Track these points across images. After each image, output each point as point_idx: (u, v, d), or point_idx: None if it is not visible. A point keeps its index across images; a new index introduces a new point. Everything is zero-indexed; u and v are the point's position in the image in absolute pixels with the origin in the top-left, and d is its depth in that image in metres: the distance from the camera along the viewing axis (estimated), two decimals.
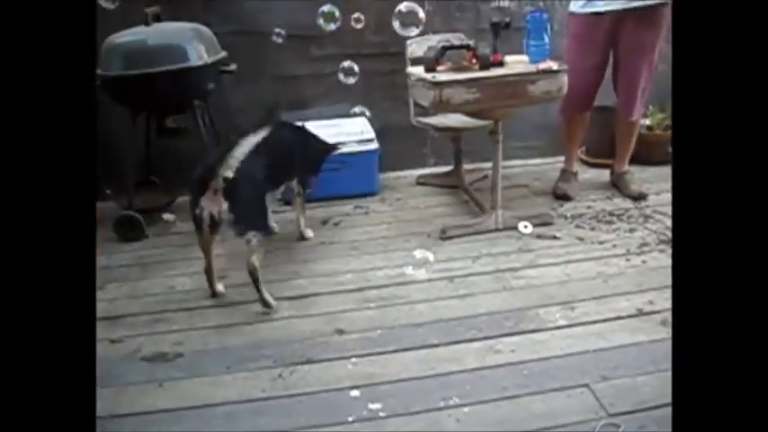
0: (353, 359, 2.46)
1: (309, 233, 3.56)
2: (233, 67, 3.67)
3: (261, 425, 2.14)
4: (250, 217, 2.80)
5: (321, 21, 3.51)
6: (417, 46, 3.91)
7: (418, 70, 3.36)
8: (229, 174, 2.70)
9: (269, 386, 2.34)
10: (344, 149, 3.97)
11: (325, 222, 3.77)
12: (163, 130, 3.71)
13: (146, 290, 3.07)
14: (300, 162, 3.39)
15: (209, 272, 2.96)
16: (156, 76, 3.36)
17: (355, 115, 4.23)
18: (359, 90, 4.29)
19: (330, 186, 4.00)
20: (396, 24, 3.40)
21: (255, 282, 2.79)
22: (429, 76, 3.17)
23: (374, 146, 4.04)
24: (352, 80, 3.66)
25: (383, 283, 3.02)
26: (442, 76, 3.16)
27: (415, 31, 3.45)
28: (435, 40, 3.63)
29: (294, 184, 3.42)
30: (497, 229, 3.49)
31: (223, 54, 3.66)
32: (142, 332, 2.72)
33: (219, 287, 2.99)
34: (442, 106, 3.21)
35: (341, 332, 2.64)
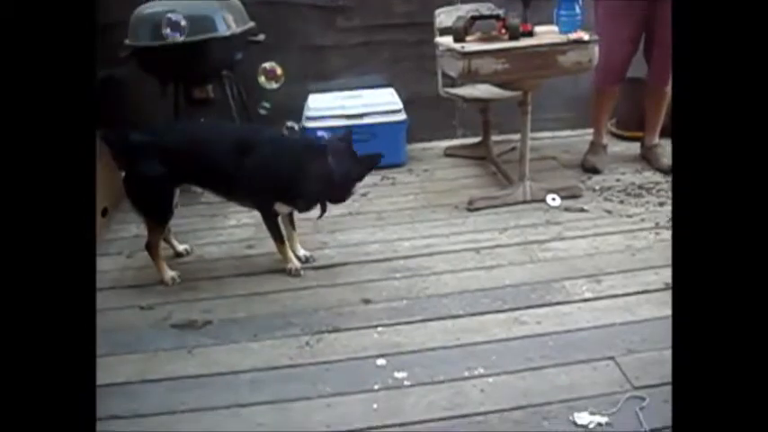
0: (379, 328, 2.47)
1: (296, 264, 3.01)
2: (261, 37, 3.67)
3: (287, 391, 2.17)
4: (139, 196, 2.86)
5: (262, 79, 3.44)
6: (446, 16, 3.88)
7: (447, 40, 3.33)
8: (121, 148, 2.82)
9: (296, 354, 2.36)
10: (371, 120, 3.98)
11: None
12: (191, 100, 3.72)
13: (174, 259, 3.10)
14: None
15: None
16: (185, 47, 3.37)
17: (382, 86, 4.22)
18: (386, 61, 4.29)
19: None
20: None
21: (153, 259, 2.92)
22: (458, 46, 3.15)
23: (402, 116, 4.03)
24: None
25: (410, 253, 3.03)
26: (472, 46, 3.14)
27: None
28: (464, 10, 3.59)
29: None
30: (525, 201, 3.48)
31: (251, 24, 3.66)
32: (171, 300, 2.77)
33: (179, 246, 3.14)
34: (470, 77, 3.18)
35: (367, 301, 2.66)
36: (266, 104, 3.59)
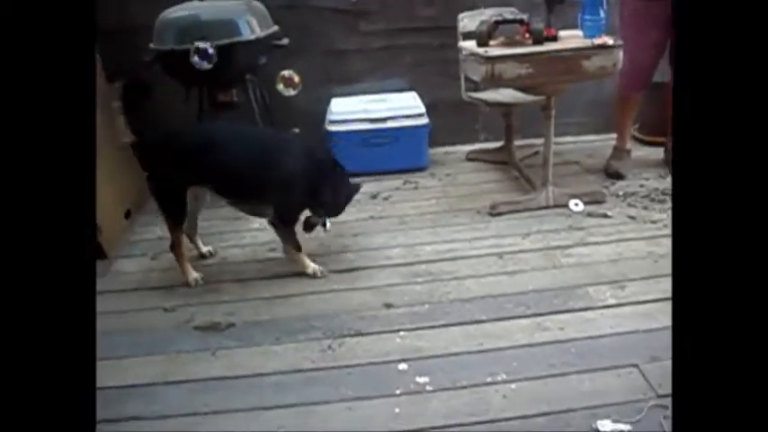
0: (401, 333, 2.48)
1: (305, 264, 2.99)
2: (285, 41, 3.68)
3: (309, 395, 2.18)
4: (158, 196, 2.89)
5: (281, 86, 3.52)
6: (469, 20, 3.88)
7: (470, 44, 3.33)
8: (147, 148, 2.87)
9: (318, 357, 2.37)
10: (394, 124, 3.99)
11: (374, 197, 3.79)
12: (215, 103, 3.75)
13: (199, 260, 3.12)
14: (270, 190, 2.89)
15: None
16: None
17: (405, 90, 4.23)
18: (409, 65, 4.29)
19: (380, 161, 4.03)
20: None
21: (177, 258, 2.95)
22: (481, 50, 3.14)
23: (424, 121, 4.04)
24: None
25: (432, 258, 3.03)
26: (495, 50, 3.13)
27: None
28: (488, 15, 3.60)
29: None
30: (548, 207, 3.47)
31: (275, 28, 3.67)
32: (195, 302, 2.79)
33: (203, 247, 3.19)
34: (494, 81, 3.18)
35: (389, 306, 2.66)
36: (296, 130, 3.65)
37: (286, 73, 3.49)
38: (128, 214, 3.52)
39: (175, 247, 2.92)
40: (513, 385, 2.15)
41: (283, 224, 2.90)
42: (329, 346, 2.43)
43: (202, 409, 2.15)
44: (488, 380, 2.18)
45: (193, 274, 2.93)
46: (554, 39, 3.24)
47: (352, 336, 2.48)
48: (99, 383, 2.26)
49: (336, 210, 3.02)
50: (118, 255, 3.29)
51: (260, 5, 3.63)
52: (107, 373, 2.37)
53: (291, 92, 3.50)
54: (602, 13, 3.24)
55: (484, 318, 2.54)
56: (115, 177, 2.79)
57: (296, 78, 3.47)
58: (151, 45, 3.48)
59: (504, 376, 2.19)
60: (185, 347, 2.49)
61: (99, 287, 2.98)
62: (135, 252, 3.30)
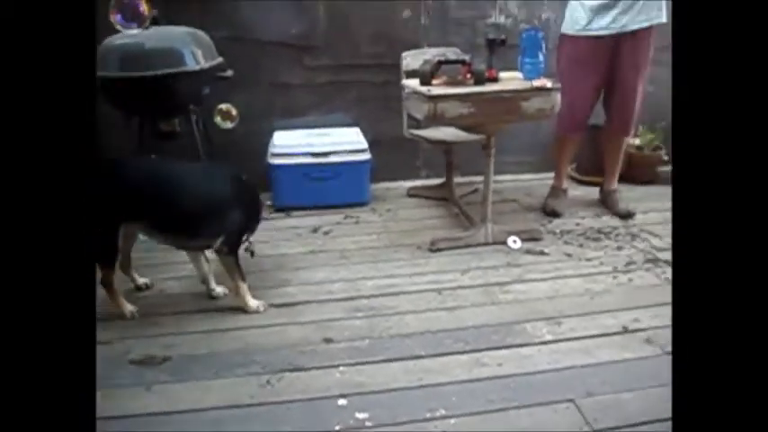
0: (341, 368, 2.47)
1: (220, 290, 3.07)
2: (229, 72, 3.68)
3: (248, 430, 2.15)
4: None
5: (218, 119, 3.56)
6: (412, 59, 3.96)
7: (413, 83, 3.39)
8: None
9: (257, 392, 2.34)
10: (336, 159, 4.01)
11: (315, 230, 3.79)
12: (157, 133, 3.71)
13: (135, 292, 3.06)
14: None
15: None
16: (152, 80, 3.36)
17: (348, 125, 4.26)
18: (353, 100, 4.34)
19: (321, 195, 4.04)
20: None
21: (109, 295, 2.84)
22: (424, 89, 3.20)
23: (366, 156, 4.07)
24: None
25: (372, 292, 3.04)
26: (438, 89, 3.19)
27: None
28: (431, 54, 3.68)
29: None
30: (487, 243, 3.52)
31: (219, 59, 3.67)
32: (131, 335, 2.72)
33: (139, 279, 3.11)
34: (436, 119, 3.24)
35: (329, 341, 2.65)
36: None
37: (224, 106, 3.50)
38: None
39: (106, 284, 2.81)
40: (452, 420, 2.16)
41: (231, 251, 2.87)
42: (268, 381, 2.40)
43: None
44: (428, 415, 2.19)
45: (129, 307, 2.86)
46: (495, 80, 3.32)
47: (291, 371, 2.46)
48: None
49: (255, 229, 3.04)
50: None
51: (205, 36, 3.63)
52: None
53: (228, 124, 3.50)
54: (540, 57, 3.34)
55: (423, 353, 2.55)
56: None
57: (233, 111, 3.48)
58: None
59: (444, 412, 2.20)
60: (121, 382, 2.42)
61: None
62: None
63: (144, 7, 2.75)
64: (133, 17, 2.76)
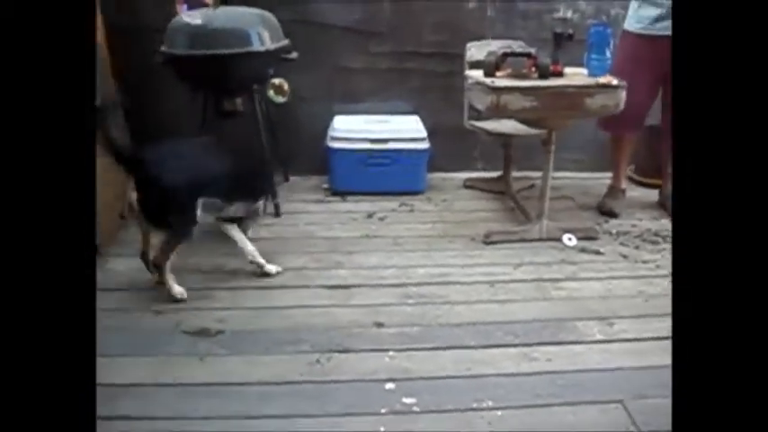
0: (390, 352, 2.49)
1: (272, 268, 3.14)
2: (294, 55, 3.71)
3: (295, 407, 2.19)
4: (162, 214, 2.78)
5: (271, 92, 3.57)
6: (477, 50, 3.94)
7: (477, 74, 3.37)
8: (141, 167, 2.73)
9: (305, 370, 2.38)
10: (395, 146, 4.02)
11: (370, 216, 3.81)
12: (220, 111, 3.77)
13: (194, 266, 3.12)
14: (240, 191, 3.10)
15: (143, 257, 2.99)
16: (217, 59, 3.42)
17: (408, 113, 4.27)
18: (414, 88, 4.34)
19: (377, 181, 4.05)
20: None
21: (161, 276, 2.85)
22: (488, 80, 3.19)
23: (425, 145, 4.07)
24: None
25: (424, 280, 3.05)
26: (502, 81, 3.18)
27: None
28: (495, 46, 3.65)
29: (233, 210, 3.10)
30: (541, 239, 3.49)
31: (285, 42, 3.70)
32: (185, 306, 2.80)
33: (155, 276, 2.95)
34: (498, 111, 3.22)
35: (379, 325, 2.68)
36: None
37: (277, 81, 3.56)
38: (122, 214, 3.52)
39: (160, 263, 2.83)
40: (498, 412, 2.16)
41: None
42: (317, 360, 2.43)
43: (190, 414, 2.15)
44: (474, 405, 2.19)
45: (178, 288, 2.85)
46: (560, 74, 3.28)
47: (340, 352, 2.49)
48: None
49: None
50: (111, 253, 3.29)
51: (273, 18, 3.66)
52: (99, 372, 2.35)
53: (280, 99, 3.57)
54: (608, 53, 3.29)
55: (473, 344, 2.55)
56: (112, 177, 2.79)
57: (285, 86, 3.54)
58: (162, 48, 3.51)
59: (490, 403, 2.20)
60: (175, 351, 2.49)
61: None
62: (127, 252, 3.29)
63: None
64: (198, 7, 2.86)
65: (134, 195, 2.74)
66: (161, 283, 2.86)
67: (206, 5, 3.00)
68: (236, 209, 3.04)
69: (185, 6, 3.06)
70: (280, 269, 3.10)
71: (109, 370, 2.37)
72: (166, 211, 2.78)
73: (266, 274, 3.07)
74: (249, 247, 3.08)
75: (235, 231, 3.08)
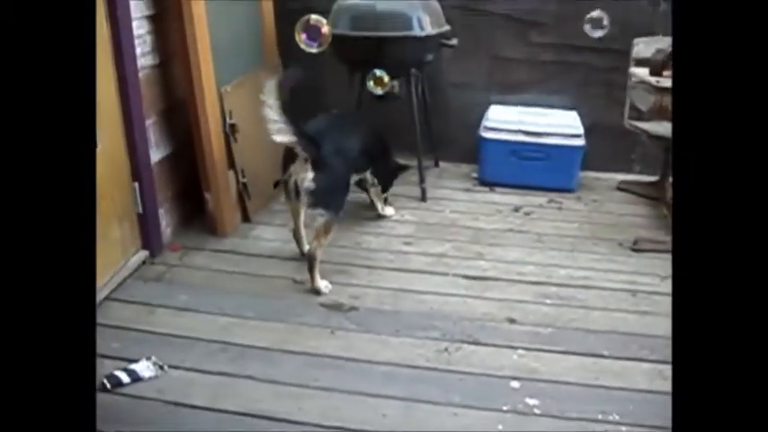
0: (520, 350, 2.45)
1: (390, 211, 3.60)
2: (454, 41, 3.70)
3: (417, 392, 2.21)
4: (329, 194, 2.79)
5: (371, 83, 3.47)
6: (645, 46, 3.74)
7: (642, 72, 3.23)
8: (321, 147, 2.75)
9: (433, 357, 2.39)
10: (549, 141, 3.93)
11: (516, 210, 3.74)
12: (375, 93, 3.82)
13: (334, 242, 3.19)
14: (381, 162, 3.42)
15: (296, 235, 3.07)
16: (377, 41, 3.48)
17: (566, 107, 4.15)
18: (575, 83, 4.21)
19: (527, 175, 3.97)
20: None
21: (311, 269, 2.80)
22: (653, 79, 3.05)
23: (581, 142, 3.94)
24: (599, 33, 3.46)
25: (564, 282, 2.97)
26: (668, 81, 3.02)
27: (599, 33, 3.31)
28: (665, 43, 3.46)
29: (368, 174, 3.36)
30: None
31: (446, 28, 3.70)
32: (325, 280, 2.86)
33: (307, 248, 2.95)
34: (661, 113, 3.08)
35: (512, 321, 2.64)
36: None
37: (377, 72, 3.51)
38: (276, 184, 3.67)
39: (313, 255, 2.82)
40: (623, 428, 2.08)
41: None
42: (446, 349, 2.44)
43: (311, 383, 2.23)
44: (599, 417, 2.12)
45: (323, 282, 2.83)
46: None
47: (470, 343, 2.48)
48: (223, 339, 2.41)
49: None
50: (260, 221, 3.45)
51: (435, 4, 3.67)
52: (233, 331, 2.52)
53: (379, 91, 3.52)
54: None
55: (605, 353, 2.46)
56: (269, 149, 2.91)
57: (385, 79, 3.48)
58: None
59: (617, 417, 2.12)
60: (307, 321, 2.59)
61: (239, 249, 3.16)
62: (276, 221, 3.43)
63: (325, 29, 2.99)
64: (315, 37, 3.05)
65: (304, 175, 2.74)
66: (306, 256, 2.90)
67: (322, 35, 3.14)
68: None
69: (305, 35, 3.21)
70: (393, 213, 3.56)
71: (243, 330, 2.52)
72: (334, 192, 2.86)
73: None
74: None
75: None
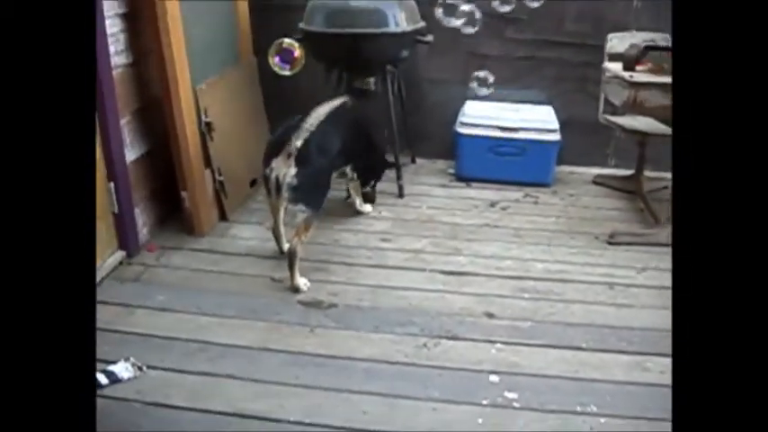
0: (498, 345, 2.46)
1: (367, 207, 3.59)
2: (430, 38, 3.71)
3: (398, 387, 2.21)
4: (311, 190, 2.80)
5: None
6: (618, 41, 3.78)
7: (616, 66, 3.26)
8: (302, 142, 2.76)
9: (412, 352, 2.40)
10: (525, 136, 3.95)
11: (492, 205, 3.76)
12: (352, 89, 3.82)
13: (312, 239, 3.18)
14: (362, 158, 3.36)
15: (275, 232, 3.05)
16: (353, 37, 3.48)
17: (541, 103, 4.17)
18: (550, 78, 4.23)
19: (504, 170, 3.99)
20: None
21: (291, 266, 2.79)
22: (626, 74, 3.07)
23: (556, 137, 3.97)
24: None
25: (541, 276, 2.99)
26: (641, 76, 3.05)
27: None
28: (639, 38, 3.49)
29: (348, 170, 3.30)
30: (669, 245, 3.33)
31: (422, 24, 3.70)
32: (303, 277, 2.85)
33: (286, 246, 2.94)
34: (635, 108, 3.10)
35: (491, 316, 2.65)
36: None
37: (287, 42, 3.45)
38: (253, 183, 3.66)
39: (296, 251, 2.79)
40: (602, 419, 2.10)
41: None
42: (425, 344, 2.45)
43: (292, 381, 2.23)
44: (578, 409, 2.14)
45: (302, 280, 2.82)
46: None
47: (448, 338, 2.49)
48: (202, 338, 2.40)
49: None
50: (238, 220, 3.43)
51: (411, 1, 3.67)
52: (212, 330, 2.51)
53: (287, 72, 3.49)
54: None
55: (584, 345, 2.48)
56: (246, 147, 2.90)
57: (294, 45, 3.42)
58: (301, 25, 3.60)
59: (595, 408, 2.14)
60: (287, 319, 2.59)
61: (217, 248, 3.14)
62: (253, 220, 3.43)
63: (297, 53, 3.04)
64: (288, 60, 3.11)
65: (286, 171, 2.75)
66: (286, 253, 2.89)
67: (294, 59, 3.18)
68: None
69: (278, 58, 3.23)
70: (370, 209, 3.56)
71: (222, 329, 2.51)
72: (316, 188, 2.86)
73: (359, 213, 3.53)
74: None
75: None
